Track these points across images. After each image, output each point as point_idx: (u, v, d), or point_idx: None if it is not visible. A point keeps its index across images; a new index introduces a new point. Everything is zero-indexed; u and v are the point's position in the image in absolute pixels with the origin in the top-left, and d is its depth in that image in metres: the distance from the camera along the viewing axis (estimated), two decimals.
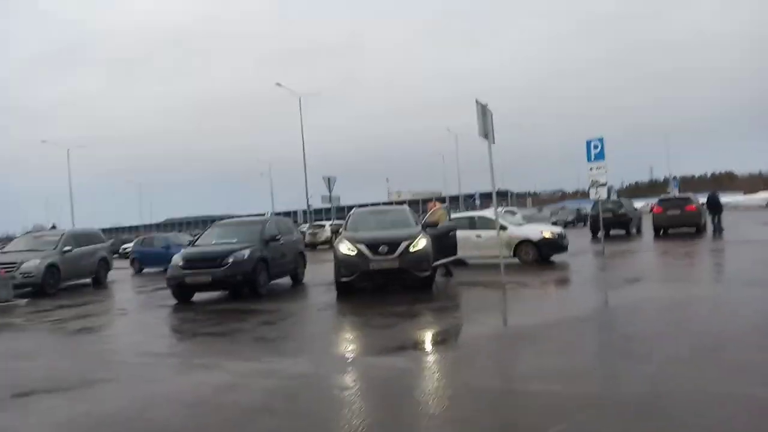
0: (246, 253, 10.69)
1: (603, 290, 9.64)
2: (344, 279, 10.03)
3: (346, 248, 10.04)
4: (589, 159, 15.94)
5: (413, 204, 57.85)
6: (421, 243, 10.08)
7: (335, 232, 21.92)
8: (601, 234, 23.50)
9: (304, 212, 38.26)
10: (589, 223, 25.14)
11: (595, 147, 15.84)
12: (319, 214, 45.77)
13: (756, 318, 6.45)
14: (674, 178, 52.31)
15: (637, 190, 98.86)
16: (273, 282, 12.52)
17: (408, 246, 9.88)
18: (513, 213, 30.76)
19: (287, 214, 78.10)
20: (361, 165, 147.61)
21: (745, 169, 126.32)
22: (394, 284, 10.66)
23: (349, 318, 8.44)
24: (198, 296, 11.15)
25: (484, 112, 10.36)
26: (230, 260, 10.45)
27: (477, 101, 10.30)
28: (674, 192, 44.19)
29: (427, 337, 6.63)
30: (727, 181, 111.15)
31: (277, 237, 11.84)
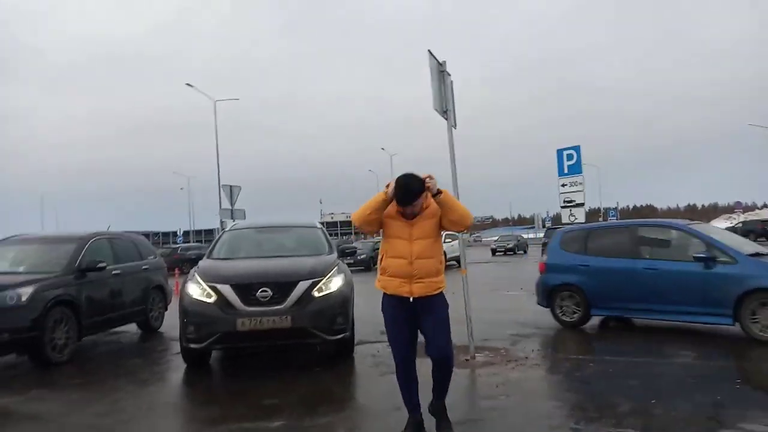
0: (26, 292, 6.09)
1: None
2: (193, 345, 5.64)
3: (198, 291, 5.64)
4: (560, 173, 12.38)
5: (345, 226, 53.18)
6: (335, 283, 5.88)
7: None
8: None
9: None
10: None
11: (569, 158, 12.31)
12: None
13: None
14: (614, 208, 51.07)
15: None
16: (113, 330, 8.08)
17: (311, 288, 5.68)
18: (454, 237, 27.60)
19: (209, 231, 71.42)
20: (294, 188, 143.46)
21: (664, 204, 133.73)
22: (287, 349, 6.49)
23: None
24: None
25: (441, 75, 6.41)
26: None
27: (430, 54, 6.34)
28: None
29: None
30: (648, 213, 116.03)
31: (101, 265, 7.19)
